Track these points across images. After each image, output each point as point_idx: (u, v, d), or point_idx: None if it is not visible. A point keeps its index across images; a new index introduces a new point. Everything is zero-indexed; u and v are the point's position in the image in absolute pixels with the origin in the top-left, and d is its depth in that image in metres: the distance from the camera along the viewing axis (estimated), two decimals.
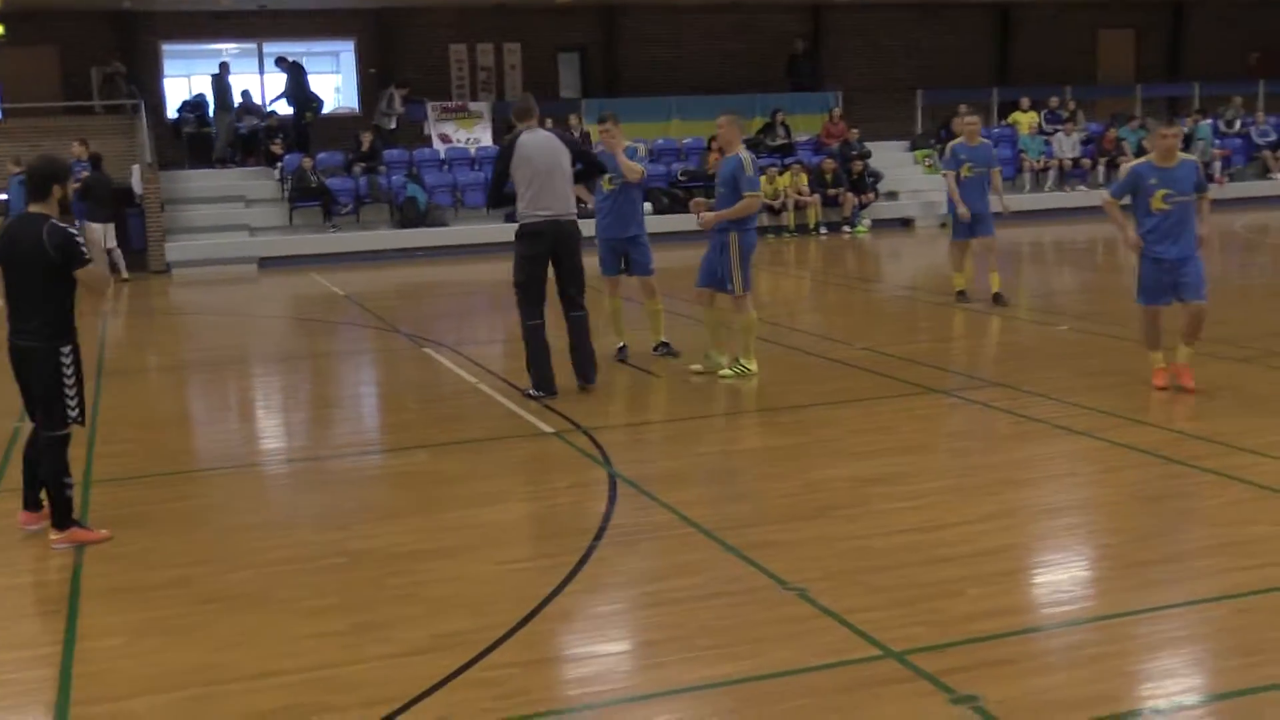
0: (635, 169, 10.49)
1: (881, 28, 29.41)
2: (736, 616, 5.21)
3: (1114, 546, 5.97)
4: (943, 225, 20.78)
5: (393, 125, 24.75)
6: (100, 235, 19.65)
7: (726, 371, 10.04)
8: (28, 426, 6.94)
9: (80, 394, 6.59)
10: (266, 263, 21.80)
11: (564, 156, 9.46)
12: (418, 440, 8.72)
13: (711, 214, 9.95)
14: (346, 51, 27.59)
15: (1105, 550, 5.96)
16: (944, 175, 14.00)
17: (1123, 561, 5.75)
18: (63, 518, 6.54)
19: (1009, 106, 28.64)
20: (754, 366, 10.13)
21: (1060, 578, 5.69)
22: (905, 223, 25.33)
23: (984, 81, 29.80)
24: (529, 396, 9.45)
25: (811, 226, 24.35)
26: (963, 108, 21.91)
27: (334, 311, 16.14)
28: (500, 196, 9.80)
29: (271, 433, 9.65)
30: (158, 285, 20.35)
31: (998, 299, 13.47)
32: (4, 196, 21.12)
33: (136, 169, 21.95)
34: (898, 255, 21.68)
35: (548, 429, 8.67)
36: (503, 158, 9.47)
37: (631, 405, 9.68)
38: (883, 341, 11.73)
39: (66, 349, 6.50)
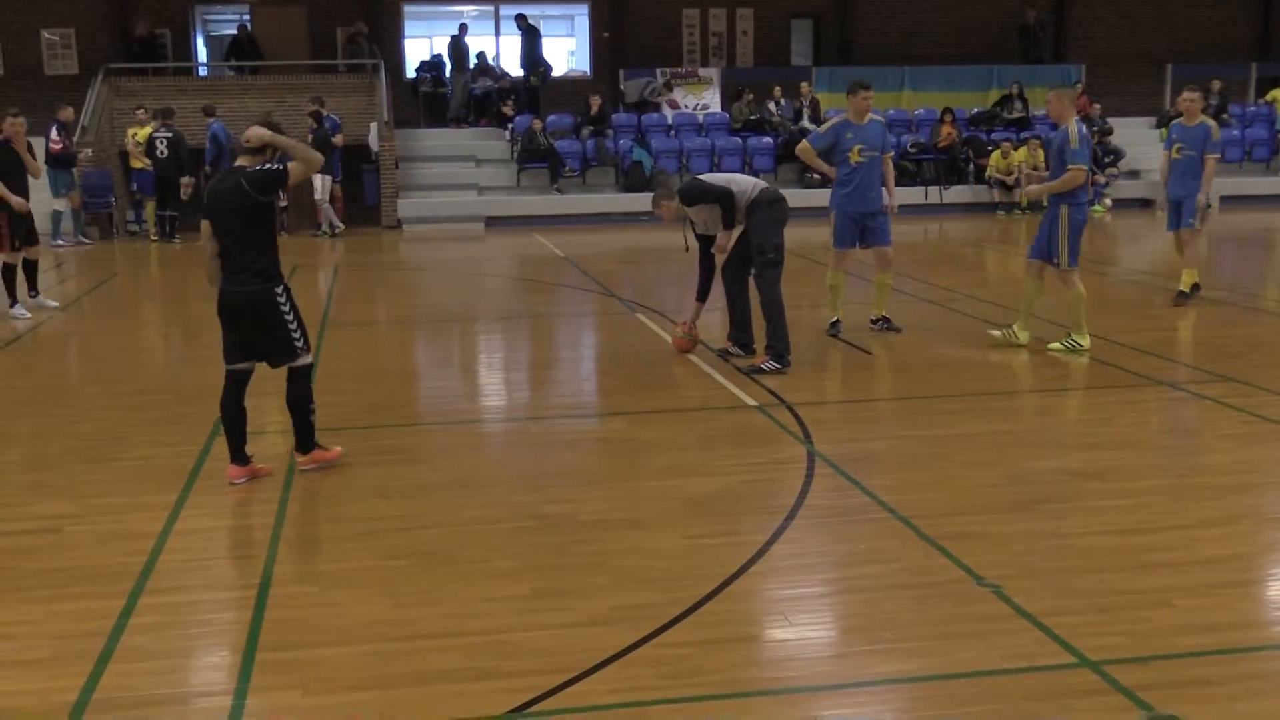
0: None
1: None
2: (925, 610, 5.01)
3: None
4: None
5: (652, 102, 24.84)
6: (317, 185, 20.51)
7: (1056, 345, 9.99)
8: (257, 369, 7.10)
9: (302, 326, 6.94)
10: (493, 222, 22.23)
11: None
12: (620, 406, 8.71)
13: (1036, 186, 10.38)
14: (581, 15, 27.82)
15: None
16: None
17: None
18: (306, 442, 7.06)
19: (1269, 83, 27.01)
20: (1086, 342, 9.95)
21: (1273, 593, 5.28)
22: (1146, 203, 24.18)
23: (1242, 56, 28.16)
24: (768, 371, 9.35)
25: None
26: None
27: (553, 273, 16.32)
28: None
29: (478, 391, 9.78)
30: (388, 240, 20.96)
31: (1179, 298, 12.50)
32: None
33: (374, 127, 22.61)
34: (1136, 237, 20.69)
35: (751, 402, 8.55)
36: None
37: (840, 382, 9.47)
38: (1110, 328, 11.18)
39: (279, 289, 6.82)
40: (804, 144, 10.99)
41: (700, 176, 9.78)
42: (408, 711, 4.24)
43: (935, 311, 12.47)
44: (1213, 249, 19.56)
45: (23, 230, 12.88)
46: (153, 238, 21.00)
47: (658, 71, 25.13)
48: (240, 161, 6.85)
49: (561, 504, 6.47)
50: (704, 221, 9.77)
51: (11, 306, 12.75)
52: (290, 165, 6.80)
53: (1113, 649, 4.58)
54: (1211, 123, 12.36)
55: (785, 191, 9.90)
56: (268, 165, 6.77)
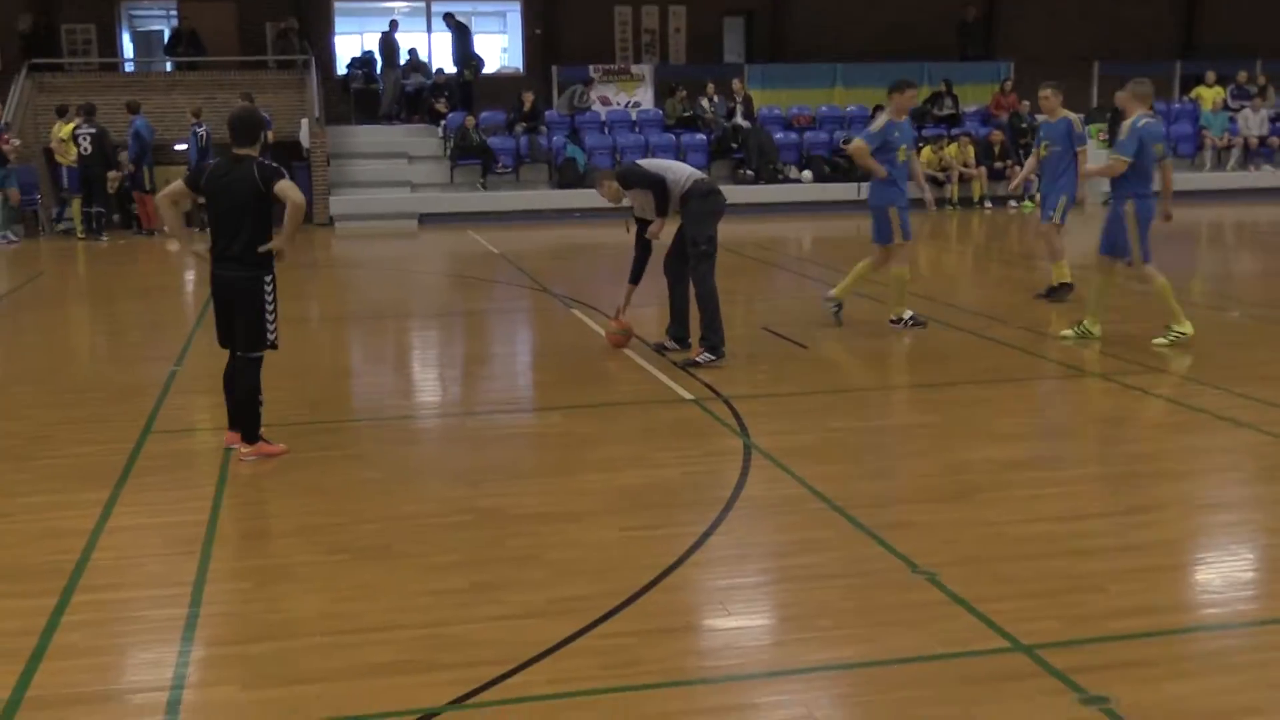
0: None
1: None
2: (861, 598, 5.04)
3: (1274, 548, 5.62)
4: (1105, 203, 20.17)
5: (569, 115, 24.78)
6: None
7: (1161, 340, 9.86)
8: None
9: (277, 320, 7.13)
10: (427, 219, 22.11)
11: None
12: (556, 401, 8.70)
13: (1094, 166, 11.39)
14: (513, 12, 27.76)
15: (1263, 551, 5.61)
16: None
17: None
18: (252, 432, 7.16)
19: (1193, 81, 27.48)
20: (1189, 329, 9.87)
21: (1210, 578, 5.37)
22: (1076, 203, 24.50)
23: (1167, 54, 28.64)
24: (703, 363, 9.36)
25: (976, 200, 23.77)
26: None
27: (487, 269, 16.26)
28: None
29: (414, 387, 9.73)
30: (321, 238, 20.78)
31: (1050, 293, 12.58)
32: (183, 146, 21.84)
33: (305, 123, 22.43)
34: (1065, 232, 20.92)
35: (687, 395, 8.56)
36: None
37: (776, 375, 9.46)
38: (1041, 321, 11.35)
39: (268, 278, 7.02)
40: (860, 143, 10.81)
41: (639, 161, 9.94)
42: (347, 705, 4.21)
43: (868, 305, 12.53)
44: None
45: None
46: (79, 235, 20.67)
47: (590, 69, 25.11)
48: (243, 152, 6.96)
49: (497, 498, 6.44)
50: (639, 206, 9.82)
51: None
52: (284, 183, 6.89)
53: (1046, 633, 4.63)
54: (1073, 116, 12.34)
55: (721, 188, 9.89)
56: (268, 164, 6.97)
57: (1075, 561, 5.39)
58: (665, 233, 9.82)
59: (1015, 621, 4.74)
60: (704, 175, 9.83)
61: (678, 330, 10.08)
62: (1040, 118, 13.08)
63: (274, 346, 7.21)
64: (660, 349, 10.00)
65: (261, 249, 6.97)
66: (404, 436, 7.98)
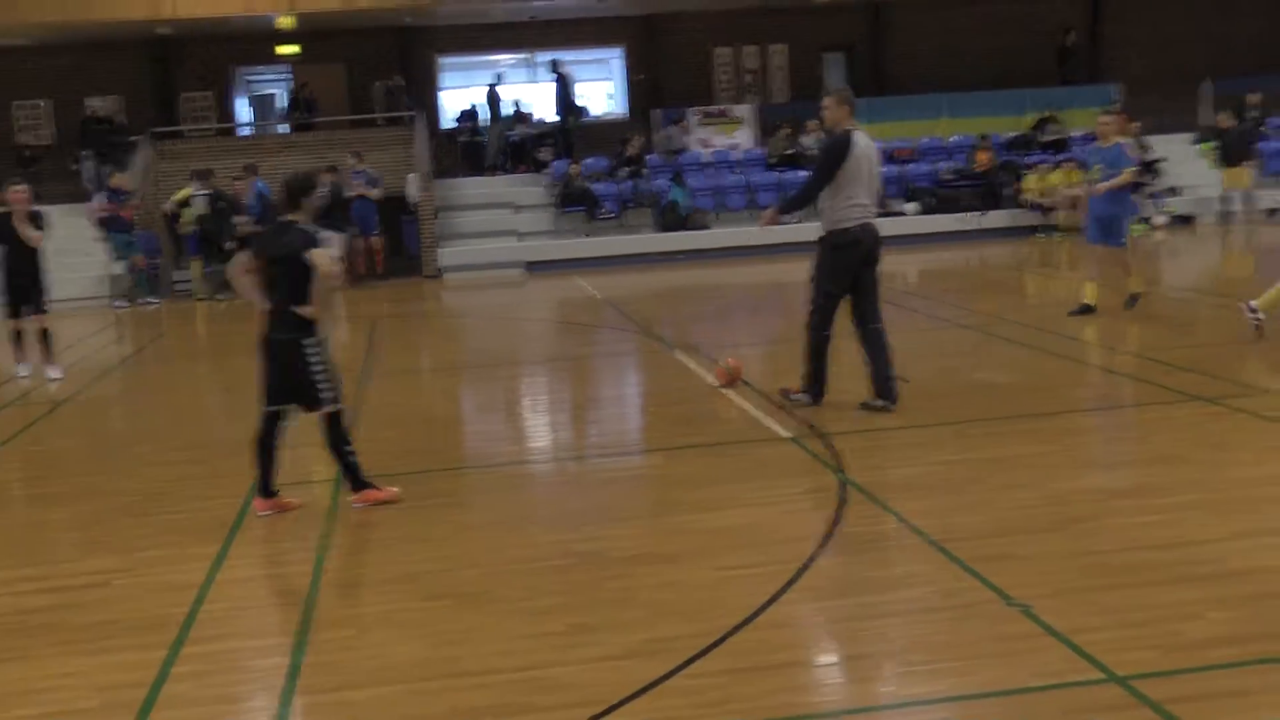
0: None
1: (1167, 14, 27.94)
2: (954, 632, 5.03)
3: None
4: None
5: (675, 152, 25.07)
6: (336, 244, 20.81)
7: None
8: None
9: (332, 377, 7.26)
10: (534, 266, 22.43)
11: (879, 161, 9.22)
12: (656, 443, 8.80)
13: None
14: (617, 58, 28.10)
15: None
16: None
17: None
18: (355, 481, 7.38)
19: None
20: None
21: None
22: (1186, 219, 24.06)
23: None
24: (794, 400, 9.29)
25: (1082, 227, 23.36)
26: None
27: (592, 315, 16.45)
28: (817, 195, 8.95)
29: (517, 434, 9.87)
30: (429, 289, 21.19)
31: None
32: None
33: (412, 178, 22.92)
34: (1176, 253, 20.57)
35: (785, 434, 8.59)
36: (836, 159, 8.77)
37: (877, 410, 9.44)
38: (1150, 345, 11.18)
39: (309, 340, 7.15)
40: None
41: (838, 167, 8.79)
42: None
43: (972, 337, 12.47)
44: (1260, 261, 19.43)
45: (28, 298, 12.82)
46: (199, 297, 21.34)
47: (687, 111, 25.30)
48: (291, 217, 7.20)
49: (596, 541, 6.53)
50: None
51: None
52: (316, 251, 7.03)
53: (1141, 663, 4.58)
54: (1125, 140, 13.34)
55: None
56: (315, 233, 7.12)
57: (1174, 589, 5.32)
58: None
59: (1110, 652, 4.70)
60: (868, 217, 8.93)
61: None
62: (1095, 144, 13.55)
63: (335, 403, 7.26)
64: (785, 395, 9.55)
65: (299, 311, 7.09)
66: (507, 483, 8.12)
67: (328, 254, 7.12)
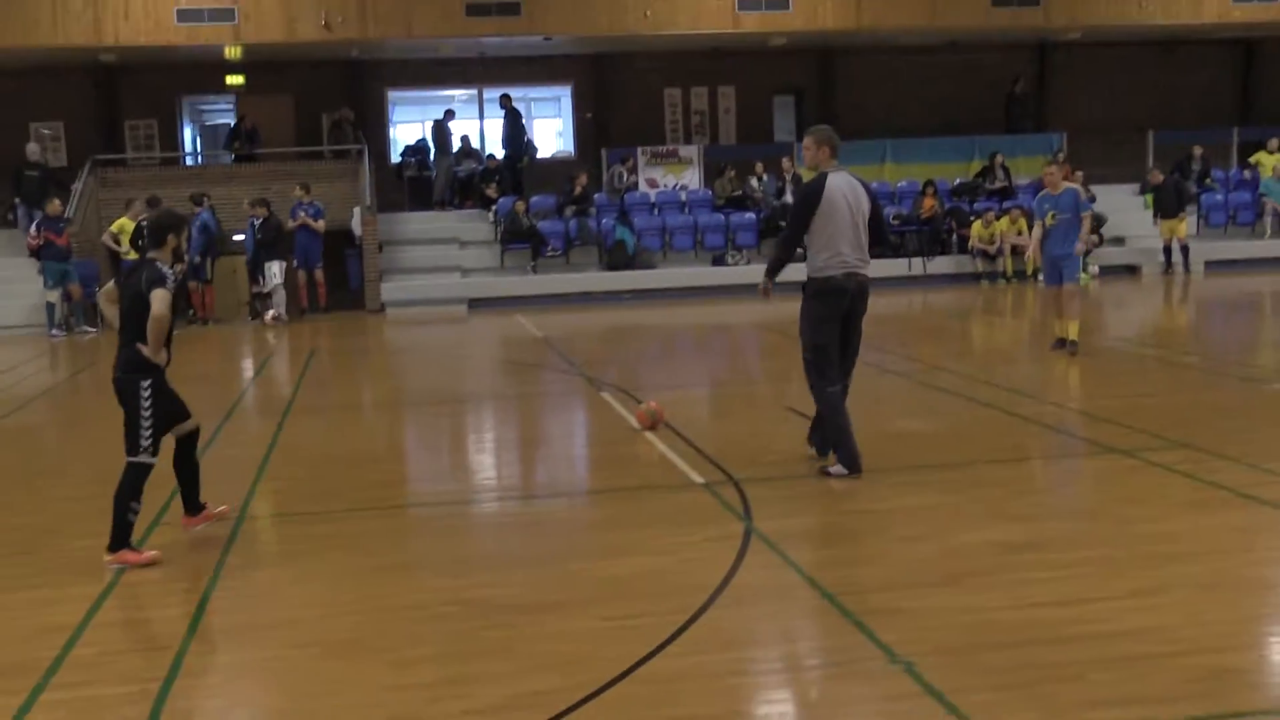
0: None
1: (1112, 66, 28.20)
2: (833, 689, 4.91)
3: (1269, 635, 5.38)
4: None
5: (616, 200, 25.00)
6: (272, 271, 20.85)
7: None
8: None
9: (155, 431, 6.98)
10: (477, 304, 22.28)
11: (866, 203, 8.35)
12: (566, 487, 8.66)
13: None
14: (567, 96, 28.07)
15: (1261, 640, 5.36)
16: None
17: (1276, 653, 5.17)
18: (117, 540, 6.92)
19: (1252, 147, 27.11)
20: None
21: (1199, 664, 5.12)
22: (1132, 269, 24.21)
23: (1225, 120, 28.29)
24: (834, 474, 8.30)
25: (1029, 273, 23.43)
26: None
27: (529, 353, 16.31)
28: (796, 246, 8.41)
29: (424, 475, 9.67)
30: (371, 324, 21.00)
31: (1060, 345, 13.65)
32: (240, 236, 22.29)
33: (357, 211, 22.76)
34: (1121, 304, 20.66)
35: (698, 479, 8.45)
36: (808, 205, 8.23)
37: (790, 456, 9.32)
38: (1076, 396, 11.15)
39: (146, 383, 6.93)
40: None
41: (810, 214, 8.22)
42: None
43: (903, 384, 12.41)
44: (1193, 313, 19.55)
45: None
46: None
47: (637, 150, 25.29)
48: (152, 255, 7.05)
49: (485, 588, 6.37)
50: None
51: None
52: (154, 293, 6.77)
53: None
54: (1076, 186, 14.14)
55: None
56: (164, 274, 6.88)
57: (1060, 649, 5.20)
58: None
59: (988, 713, 4.58)
60: (853, 265, 8.30)
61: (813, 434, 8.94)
62: (1044, 192, 13.90)
63: (150, 455, 6.98)
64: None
65: (139, 349, 6.91)
66: (409, 526, 7.95)
67: (164, 297, 6.80)
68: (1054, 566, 6.32)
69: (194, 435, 7.43)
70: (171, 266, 7.04)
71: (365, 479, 9.41)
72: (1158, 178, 23.66)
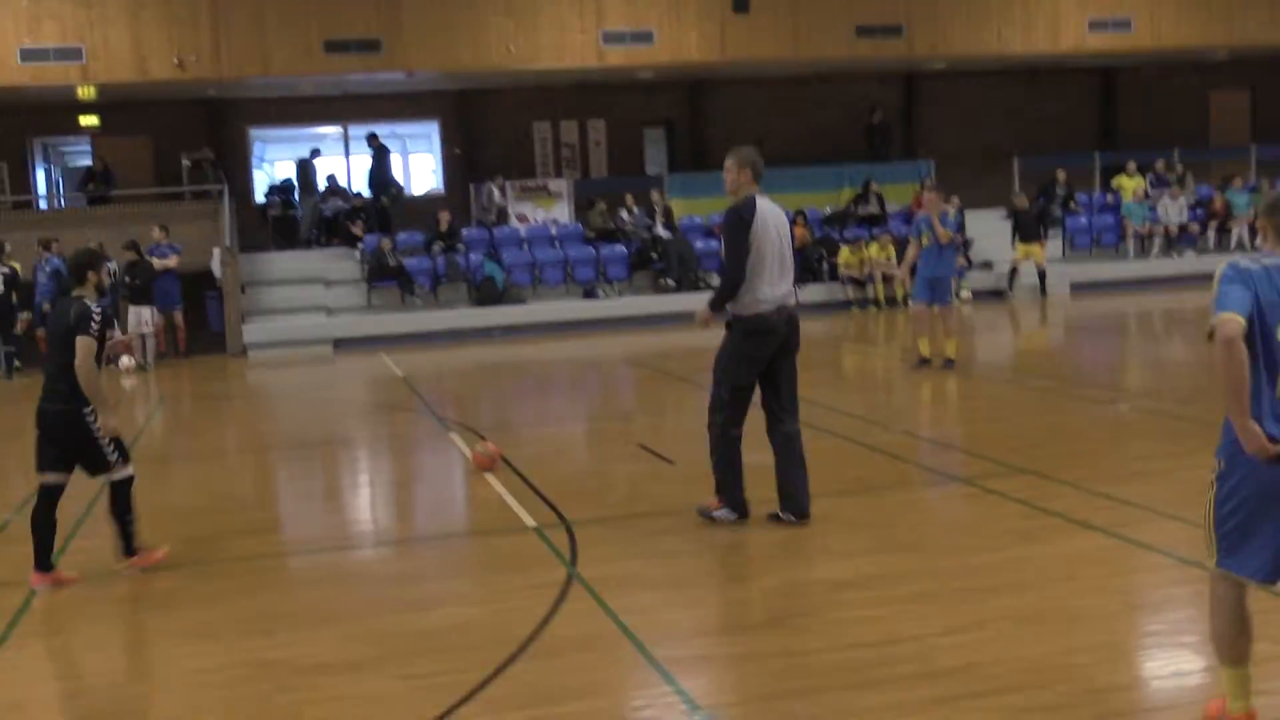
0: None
1: (977, 95, 28.61)
2: None
3: (1081, 668, 5.24)
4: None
5: (493, 217, 24.74)
6: (143, 318, 20.23)
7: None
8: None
9: (116, 444, 7.36)
10: (343, 344, 21.75)
11: (788, 230, 7.78)
12: (393, 535, 8.37)
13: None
14: (434, 133, 27.75)
15: (1071, 674, 5.22)
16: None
17: (1083, 686, 5.04)
18: (128, 548, 7.48)
19: (1113, 171, 27.65)
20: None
21: (1005, 704, 4.96)
22: (999, 294, 24.48)
23: (1086, 146, 28.85)
24: (717, 518, 7.75)
25: (900, 299, 23.60)
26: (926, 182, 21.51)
27: (384, 394, 15.94)
28: (743, 272, 7.52)
29: (253, 526, 9.09)
30: (232, 367, 20.40)
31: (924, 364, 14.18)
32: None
33: (217, 252, 22.18)
34: (985, 327, 20.81)
35: (530, 523, 8.19)
36: (741, 227, 7.50)
37: (632, 495, 9.11)
38: (926, 424, 11.13)
39: (88, 409, 7.19)
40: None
41: (747, 237, 7.52)
42: None
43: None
44: (1054, 336, 19.78)
45: None
46: None
47: (507, 185, 25.06)
48: (77, 292, 7.33)
49: (286, 648, 6.06)
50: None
51: None
52: (79, 340, 7.05)
53: None
54: (949, 209, 15.33)
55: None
56: (91, 313, 7.13)
57: (868, 693, 5.04)
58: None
59: None
60: (779, 301, 7.66)
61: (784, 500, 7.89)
62: (921, 212, 14.58)
63: (122, 467, 7.40)
64: (774, 518, 7.84)
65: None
66: (222, 581, 7.55)
67: (87, 345, 7.06)
68: (875, 604, 6.17)
69: (62, 487, 7.45)
70: (97, 301, 7.27)
71: (186, 532, 8.97)
72: (1023, 202, 23.97)
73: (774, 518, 7.75)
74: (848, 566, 6.86)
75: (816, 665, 5.40)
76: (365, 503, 10.01)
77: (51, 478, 7.33)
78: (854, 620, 5.98)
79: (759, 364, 7.69)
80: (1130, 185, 26.57)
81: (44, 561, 7.29)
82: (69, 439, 7.26)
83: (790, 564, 6.98)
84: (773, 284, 7.56)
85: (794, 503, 7.69)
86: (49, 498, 7.32)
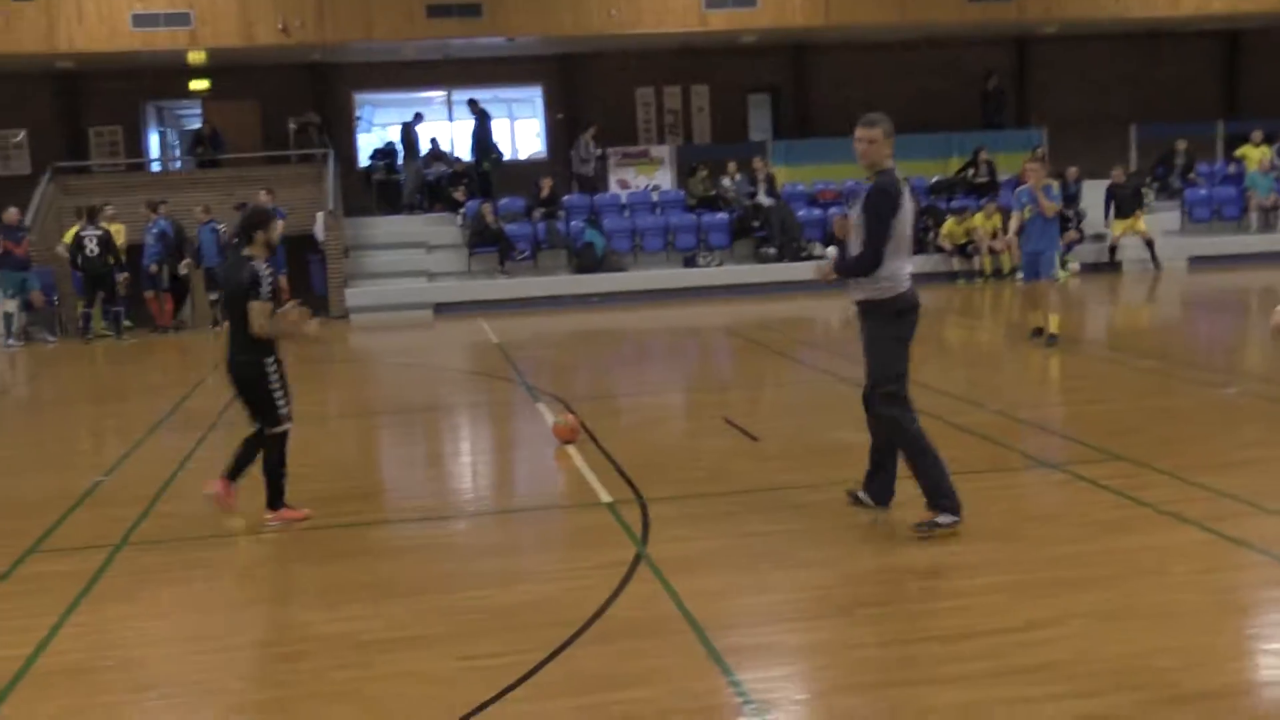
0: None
1: (1093, 60, 27.79)
2: None
3: (1166, 672, 4.97)
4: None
5: (590, 171, 24.65)
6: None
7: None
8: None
9: (286, 397, 7.74)
10: (443, 308, 21.89)
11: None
12: (470, 508, 8.30)
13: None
14: (539, 97, 27.71)
15: (1151, 676, 4.95)
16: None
17: (1168, 693, 4.77)
18: (274, 500, 7.88)
19: (1237, 140, 26.66)
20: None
21: (1076, 710, 4.71)
22: (1109, 267, 23.80)
23: (1208, 114, 27.86)
24: (940, 527, 6.90)
25: (1007, 271, 23.05)
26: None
27: (477, 360, 15.95)
28: (884, 254, 6.89)
29: (327, 495, 9.00)
30: (333, 331, 20.58)
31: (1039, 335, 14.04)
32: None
33: (320, 216, 22.40)
34: (1094, 302, 20.22)
35: (606, 499, 8.07)
36: (892, 208, 6.87)
37: (712, 473, 8.90)
38: (1022, 403, 10.76)
39: (270, 360, 7.61)
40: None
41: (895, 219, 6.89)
42: None
43: (848, 392, 11.96)
44: (1166, 312, 19.15)
45: None
46: (89, 337, 20.57)
47: (609, 152, 24.93)
48: (246, 252, 7.62)
49: (349, 621, 6.00)
50: (857, 231, 7.06)
51: None
52: (252, 304, 7.46)
53: None
54: (1053, 182, 14.79)
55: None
56: (260, 275, 7.47)
57: (935, 691, 4.83)
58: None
59: None
60: (911, 280, 7.09)
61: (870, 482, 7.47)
62: (1022, 186, 14.25)
63: (288, 420, 7.78)
64: (853, 499, 7.57)
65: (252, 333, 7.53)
66: (295, 549, 7.57)
67: (260, 309, 7.45)
68: (952, 595, 5.97)
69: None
70: (266, 261, 7.61)
71: (259, 502, 9.02)
72: (1120, 176, 23.33)
73: (854, 498, 7.53)
74: (927, 554, 6.62)
75: (882, 658, 5.21)
76: (445, 473, 9.94)
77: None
78: (927, 612, 5.77)
79: (907, 344, 7.13)
80: (1255, 155, 25.61)
81: (276, 500, 7.88)
82: (247, 388, 7.67)
83: (867, 550, 6.76)
84: (907, 261, 7.09)
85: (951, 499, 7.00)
86: (279, 444, 7.83)
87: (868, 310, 7.10)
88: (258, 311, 7.46)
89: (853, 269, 7.02)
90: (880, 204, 6.88)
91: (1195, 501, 7.28)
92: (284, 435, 7.81)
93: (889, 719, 4.63)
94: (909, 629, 5.58)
